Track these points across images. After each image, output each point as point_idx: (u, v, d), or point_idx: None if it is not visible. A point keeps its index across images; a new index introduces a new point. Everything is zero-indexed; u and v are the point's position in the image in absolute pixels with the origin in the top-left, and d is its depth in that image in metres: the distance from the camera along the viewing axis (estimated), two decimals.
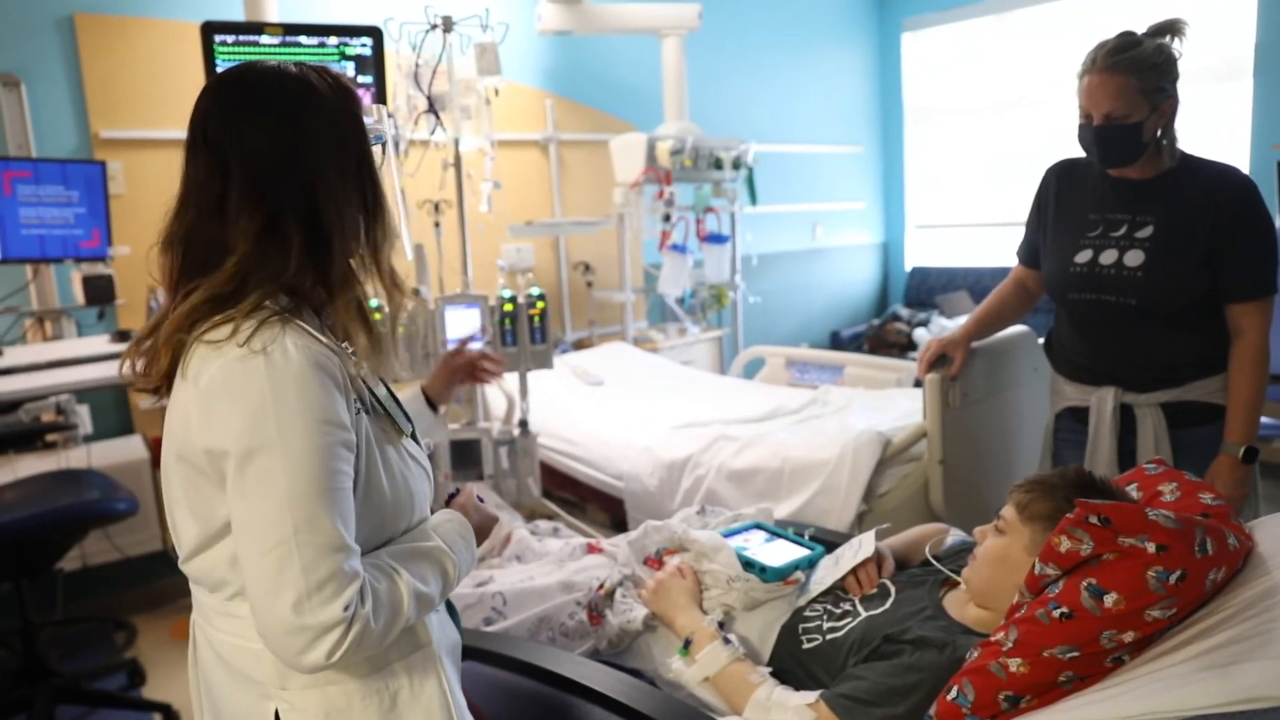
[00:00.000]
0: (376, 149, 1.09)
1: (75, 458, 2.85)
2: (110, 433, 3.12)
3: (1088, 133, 1.81)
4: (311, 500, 0.91)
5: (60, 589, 2.91)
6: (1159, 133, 1.80)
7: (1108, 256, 1.86)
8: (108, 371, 2.62)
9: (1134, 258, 1.82)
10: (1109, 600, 1.08)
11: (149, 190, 3.13)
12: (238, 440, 0.91)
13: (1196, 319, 1.84)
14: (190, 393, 0.94)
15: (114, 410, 3.14)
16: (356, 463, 0.99)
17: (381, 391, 1.12)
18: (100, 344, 2.82)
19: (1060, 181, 2.00)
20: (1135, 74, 1.73)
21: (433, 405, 1.54)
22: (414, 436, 1.16)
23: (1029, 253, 2.09)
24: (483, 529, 1.21)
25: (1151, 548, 1.08)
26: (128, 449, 3.01)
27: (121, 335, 2.88)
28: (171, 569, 3.18)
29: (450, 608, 1.23)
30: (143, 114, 3.14)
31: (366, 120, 1.06)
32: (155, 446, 3.08)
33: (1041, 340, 2.17)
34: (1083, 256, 1.89)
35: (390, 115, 1.13)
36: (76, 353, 2.68)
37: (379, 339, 1.04)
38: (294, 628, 0.89)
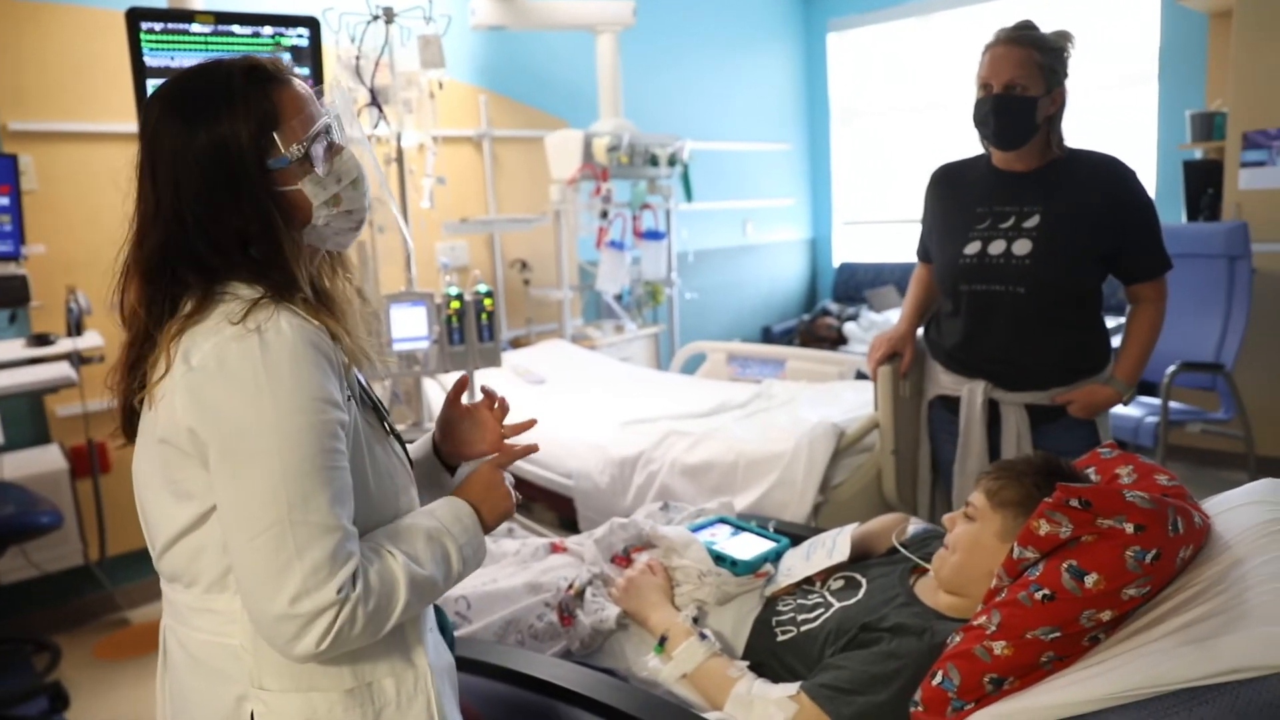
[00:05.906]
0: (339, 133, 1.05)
1: None
2: (24, 443, 2.93)
3: (985, 104, 1.90)
4: (306, 479, 0.89)
5: None
6: (1049, 121, 1.89)
7: (996, 247, 1.94)
8: (21, 378, 2.46)
9: (1022, 247, 1.91)
10: (1089, 581, 1.12)
11: (65, 186, 2.95)
12: (231, 419, 0.89)
13: (1073, 319, 1.94)
14: (179, 370, 0.91)
15: (29, 419, 2.95)
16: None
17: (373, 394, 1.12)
18: (14, 349, 2.65)
19: (942, 186, 2.10)
20: (1038, 49, 1.86)
21: (448, 467, 1.28)
22: (398, 438, 1.13)
23: (925, 252, 2.20)
24: (486, 505, 1.11)
25: (1130, 528, 1.12)
26: (44, 459, 2.84)
27: (37, 339, 2.71)
28: (95, 584, 3.03)
29: (444, 628, 1.19)
30: (57, 105, 2.95)
31: (323, 108, 1.02)
32: (75, 457, 2.91)
33: None
34: (971, 249, 1.97)
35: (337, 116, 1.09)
36: None
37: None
38: (285, 615, 0.87)
